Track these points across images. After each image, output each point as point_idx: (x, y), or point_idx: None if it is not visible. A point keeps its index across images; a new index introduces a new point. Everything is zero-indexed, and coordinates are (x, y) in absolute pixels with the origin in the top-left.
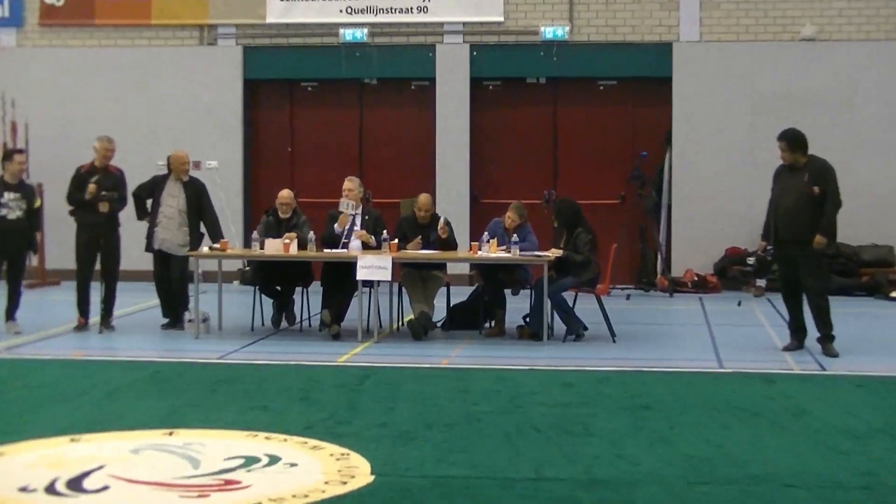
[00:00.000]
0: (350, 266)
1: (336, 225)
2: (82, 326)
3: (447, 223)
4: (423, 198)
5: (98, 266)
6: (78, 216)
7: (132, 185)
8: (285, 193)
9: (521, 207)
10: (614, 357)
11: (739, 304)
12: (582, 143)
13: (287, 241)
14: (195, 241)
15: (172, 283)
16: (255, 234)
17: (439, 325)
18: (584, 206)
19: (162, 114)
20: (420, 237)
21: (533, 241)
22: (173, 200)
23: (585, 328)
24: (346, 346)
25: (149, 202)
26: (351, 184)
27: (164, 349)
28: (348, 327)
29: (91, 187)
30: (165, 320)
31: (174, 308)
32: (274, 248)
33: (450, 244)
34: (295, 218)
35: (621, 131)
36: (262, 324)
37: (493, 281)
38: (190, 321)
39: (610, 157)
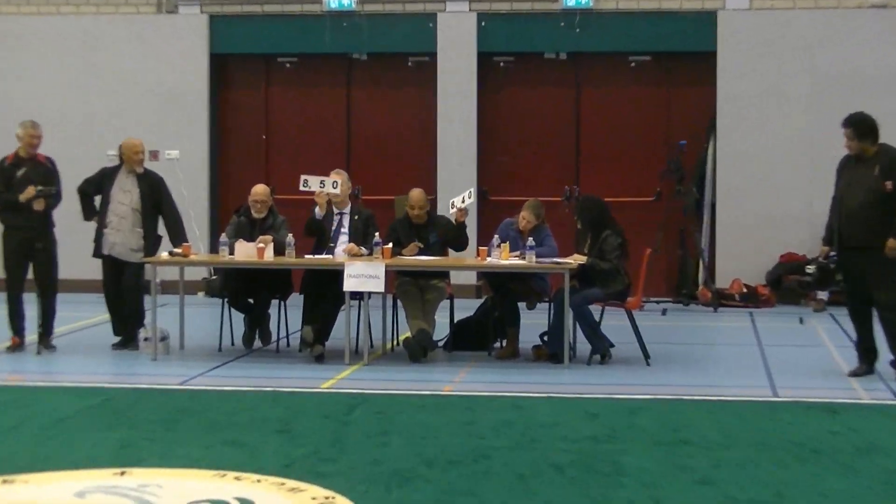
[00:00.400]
0: (336, 275)
1: (317, 209)
2: (16, 347)
3: (461, 209)
4: (416, 193)
5: (31, 275)
6: (3, 218)
7: (77, 179)
8: (260, 189)
9: (538, 206)
10: (648, 383)
11: (801, 321)
12: (609, 131)
13: (262, 245)
14: (152, 246)
15: (125, 294)
16: (223, 237)
17: (441, 344)
18: (611, 204)
19: (112, 95)
20: (417, 241)
21: (552, 245)
22: (126, 197)
23: (612, 346)
24: (331, 369)
25: (97, 199)
26: (338, 178)
27: (116, 373)
28: (334, 347)
29: (30, 190)
30: (117, 339)
31: (127, 324)
32: (246, 253)
33: (461, 238)
34: (271, 218)
35: (656, 116)
36: (232, 343)
37: (505, 292)
38: (146, 340)
39: (643, 146)
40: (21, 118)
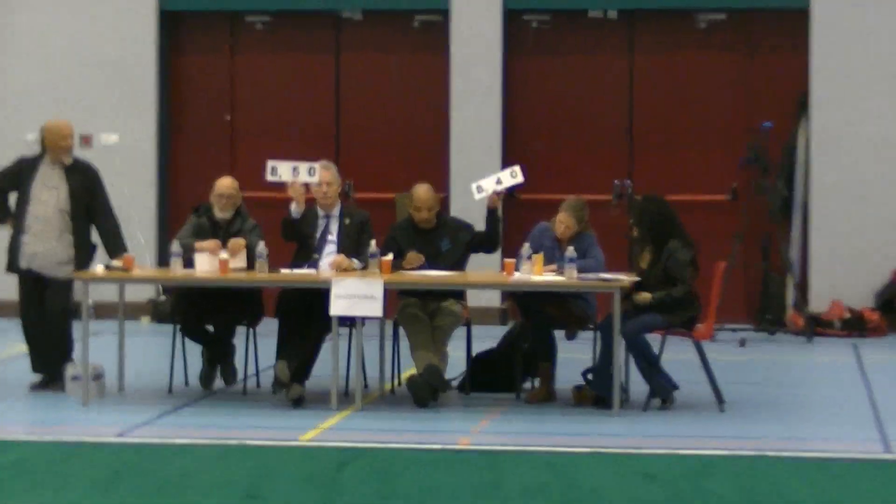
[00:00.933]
0: (320, 295)
1: (292, 206)
2: None
3: (497, 193)
4: (422, 191)
5: None
6: None
7: None
8: (227, 182)
9: (581, 207)
10: (722, 434)
11: None
12: (672, 109)
13: (226, 255)
14: (84, 257)
15: (48, 319)
16: (175, 246)
17: (455, 384)
18: (675, 204)
19: (31, 64)
20: (424, 249)
21: (598, 257)
22: (50, 195)
23: (675, 387)
24: (313, 416)
25: (12, 197)
26: (325, 173)
27: (35, 422)
28: (317, 388)
29: None
30: (37, 377)
31: (50, 359)
32: (207, 265)
33: (493, 235)
34: (239, 221)
35: (732, 91)
36: (186, 383)
37: (538, 318)
38: (74, 379)
39: (715, 130)
40: None
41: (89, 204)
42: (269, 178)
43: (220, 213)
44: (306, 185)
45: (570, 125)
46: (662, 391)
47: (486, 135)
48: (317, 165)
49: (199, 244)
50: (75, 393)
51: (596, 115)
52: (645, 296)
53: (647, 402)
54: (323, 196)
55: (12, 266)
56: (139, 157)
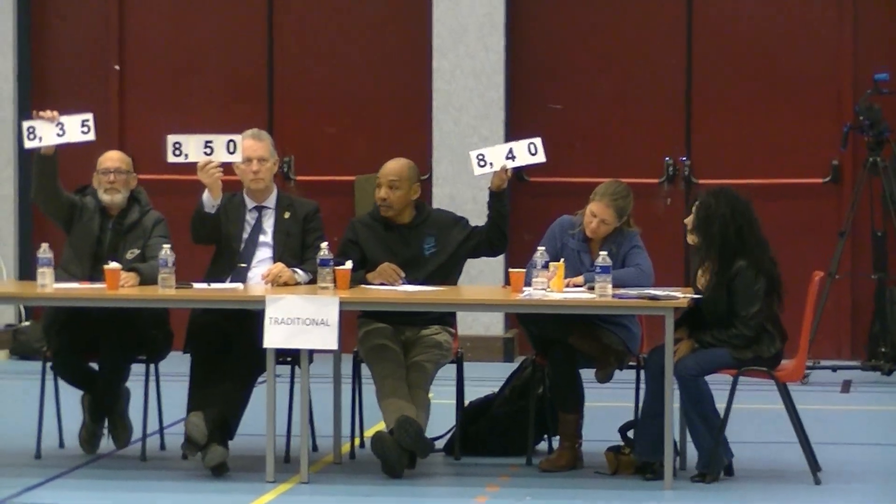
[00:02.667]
0: (250, 319)
1: (205, 195)
2: None
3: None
4: (391, 163)
5: None
6: None
7: None
8: (115, 155)
9: (621, 193)
10: None
11: None
12: (745, 60)
13: (117, 269)
14: None
15: None
16: (42, 253)
17: (441, 444)
18: (749, 190)
19: None
20: (396, 255)
21: (644, 265)
22: None
23: (730, 456)
24: (241, 490)
25: None
26: (256, 145)
27: None
28: (246, 451)
29: None
30: None
31: None
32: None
33: (500, 226)
34: (136, 212)
35: (828, 34)
36: (62, 444)
37: (559, 351)
38: None
39: (805, 87)
40: None
41: None
42: (172, 158)
43: (107, 197)
44: (225, 166)
45: (604, 80)
46: (717, 467)
47: (483, 93)
48: (238, 138)
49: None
50: None
51: (640, 68)
52: (683, 347)
53: (707, 470)
54: (252, 179)
55: None
56: None
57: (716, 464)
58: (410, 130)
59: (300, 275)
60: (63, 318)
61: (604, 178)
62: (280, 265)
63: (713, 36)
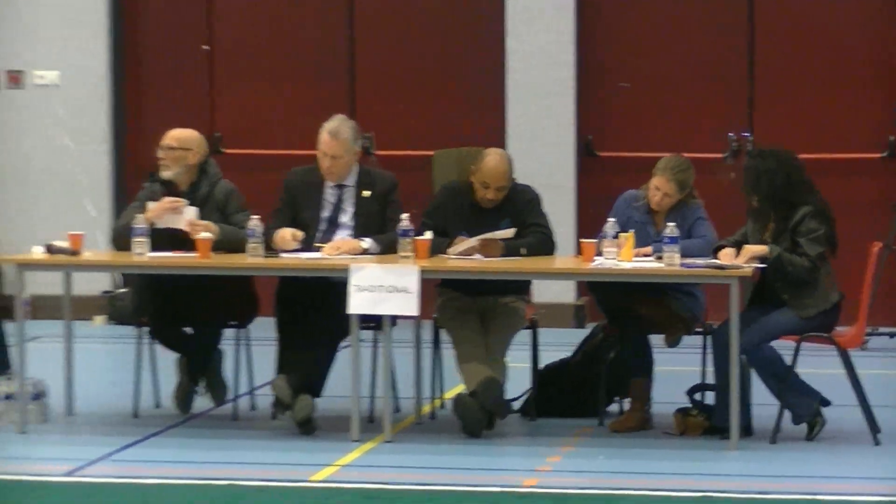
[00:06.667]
0: (334, 288)
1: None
2: None
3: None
4: (494, 162)
5: None
6: None
7: None
8: (175, 133)
9: (685, 167)
10: (877, 475)
11: None
12: (805, 42)
13: (197, 230)
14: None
15: None
16: (137, 223)
17: (517, 406)
18: (811, 165)
19: None
20: (475, 232)
21: (709, 235)
22: None
23: (826, 402)
24: (327, 448)
25: None
26: (333, 143)
27: None
28: (331, 412)
29: None
30: None
31: None
32: (172, 223)
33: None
34: (205, 186)
35: (885, 14)
36: (158, 404)
37: (628, 318)
38: (8, 399)
39: (863, 66)
40: None
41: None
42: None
43: (165, 173)
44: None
45: (670, 59)
46: (806, 412)
47: (554, 72)
48: (337, 130)
49: (142, 216)
50: (8, 418)
51: (703, 45)
52: (751, 251)
53: (776, 429)
54: (326, 173)
55: None
56: (87, 101)
57: (809, 409)
58: (486, 109)
59: (367, 242)
60: (157, 285)
61: (666, 153)
62: (344, 237)
63: (775, 17)
